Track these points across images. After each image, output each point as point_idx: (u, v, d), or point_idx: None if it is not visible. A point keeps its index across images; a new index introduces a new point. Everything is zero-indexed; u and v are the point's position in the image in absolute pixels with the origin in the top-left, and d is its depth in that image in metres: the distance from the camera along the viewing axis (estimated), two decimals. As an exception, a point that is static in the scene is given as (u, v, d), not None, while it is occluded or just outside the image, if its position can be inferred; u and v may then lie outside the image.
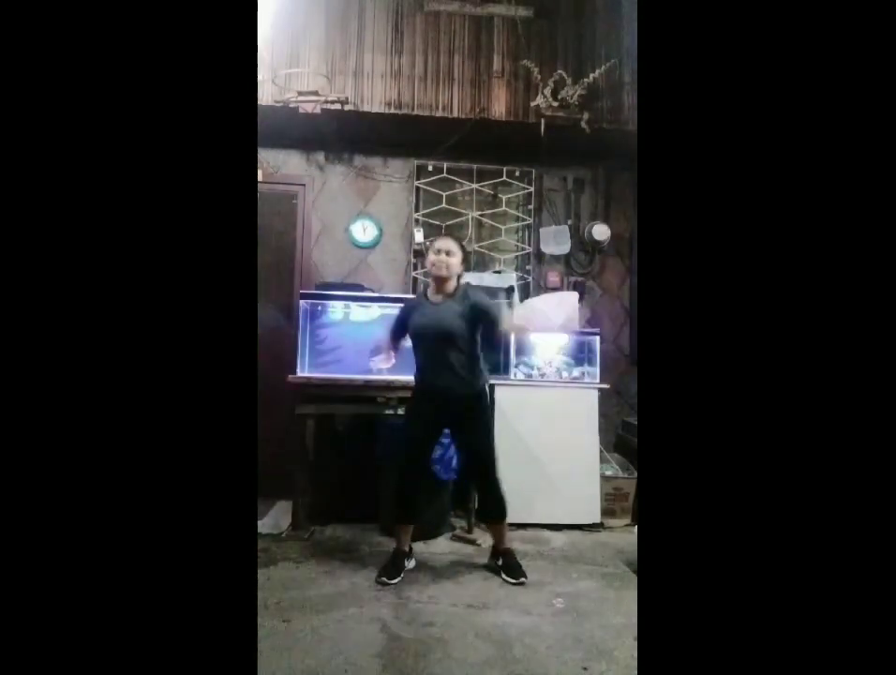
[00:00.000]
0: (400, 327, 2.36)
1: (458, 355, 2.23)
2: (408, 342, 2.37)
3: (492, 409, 2.39)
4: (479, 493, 2.43)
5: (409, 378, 2.88)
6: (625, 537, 2.86)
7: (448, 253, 2.24)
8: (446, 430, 2.41)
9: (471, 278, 2.99)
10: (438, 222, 3.62)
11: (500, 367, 3.06)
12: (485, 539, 2.72)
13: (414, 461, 2.33)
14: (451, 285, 2.29)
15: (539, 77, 3.14)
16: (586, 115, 3.14)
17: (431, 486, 2.57)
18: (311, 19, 3.10)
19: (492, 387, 2.76)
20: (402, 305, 2.48)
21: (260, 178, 3.36)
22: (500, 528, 2.37)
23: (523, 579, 2.24)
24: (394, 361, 2.45)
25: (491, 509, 2.37)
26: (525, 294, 3.57)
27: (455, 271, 2.27)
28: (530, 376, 3.14)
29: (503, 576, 2.28)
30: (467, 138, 3.30)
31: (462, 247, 2.33)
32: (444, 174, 3.62)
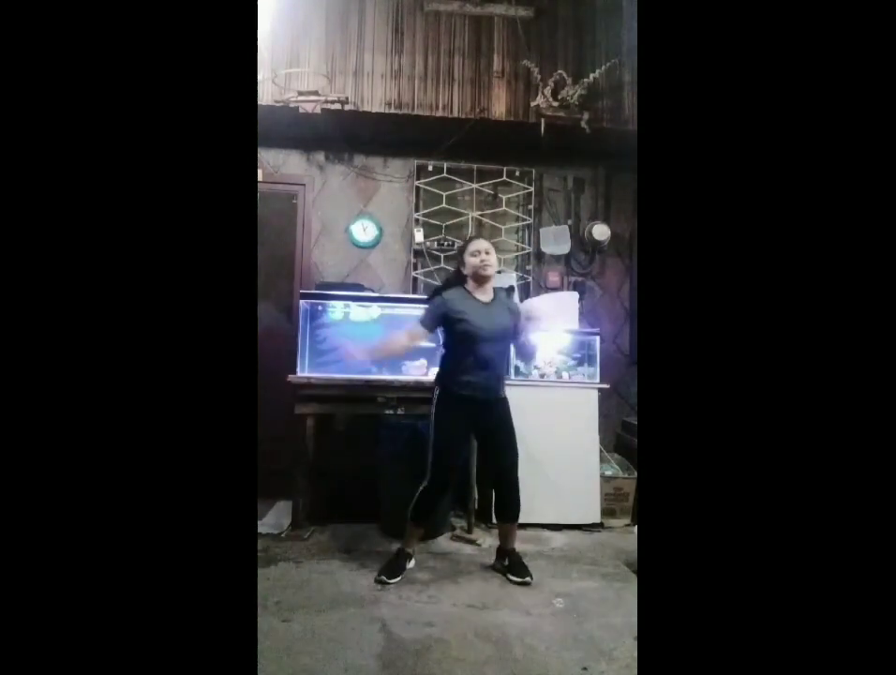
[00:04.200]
0: (439, 320, 2.25)
1: (502, 358, 2.28)
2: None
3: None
4: (500, 495, 2.40)
5: (409, 378, 2.91)
6: (625, 537, 2.86)
7: (487, 252, 2.25)
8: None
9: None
10: (438, 222, 3.62)
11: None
12: (485, 539, 2.72)
13: (448, 464, 2.28)
14: (491, 284, 2.30)
15: (539, 77, 3.14)
16: (586, 115, 3.15)
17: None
18: (311, 19, 3.10)
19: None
20: (439, 296, 2.30)
21: (260, 178, 3.36)
22: (512, 529, 2.37)
23: (528, 579, 2.24)
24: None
25: (510, 511, 2.36)
26: (525, 294, 3.58)
27: (496, 269, 2.30)
28: (529, 376, 3.14)
29: (509, 575, 2.28)
30: (467, 138, 3.30)
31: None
32: (444, 174, 3.62)
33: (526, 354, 2.51)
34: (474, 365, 2.21)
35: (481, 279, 2.28)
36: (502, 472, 2.34)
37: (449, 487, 2.38)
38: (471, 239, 2.35)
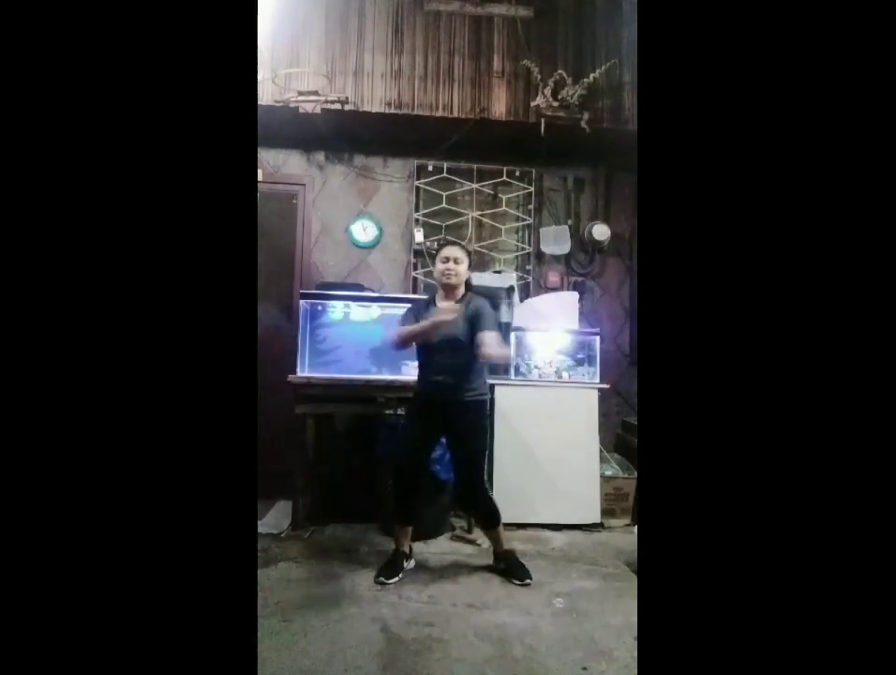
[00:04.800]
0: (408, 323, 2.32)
1: (459, 361, 2.23)
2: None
3: (492, 414, 2.35)
4: (467, 502, 2.45)
5: (409, 378, 2.90)
6: (625, 537, 2.86)
7: (456, 261, 2.26)
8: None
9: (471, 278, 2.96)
10: (438, 222, 3.62)
11: (501, 367, 3.05)
12: (485, 539, 2.72)
13: (412, 463, 2.34)
14: (459, 292, 2.31)
15: (539, 77, 3.14)
16: (586, 115, 3.14)
17: (431, 486, 2.57)
18: (311, 19, 3.10)
19: (491, 387, 2.76)
20: (410, 305, 2.44)
21: (260, 178, 3.36)
22: (495, 533, 2.39)
23: (528, 580, 2.24)
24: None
25: (481, 518, 2.42)
26: (525, 294, 3.58)
27: (464, 278, 2.30)
28: (529, 376, 3.13)
29: (508, 578, 2.29)
30: (467, 138, 3.30)
31: (468, 253, 2.36)
32: (444, 174, 3.62)
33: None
34: (431, 368, 2.27)
35: (446, 287, 2.29)
36: (461, 478, 2.36)
37: (419, 483, 2.36)
38: (444, 245, 2.36)
